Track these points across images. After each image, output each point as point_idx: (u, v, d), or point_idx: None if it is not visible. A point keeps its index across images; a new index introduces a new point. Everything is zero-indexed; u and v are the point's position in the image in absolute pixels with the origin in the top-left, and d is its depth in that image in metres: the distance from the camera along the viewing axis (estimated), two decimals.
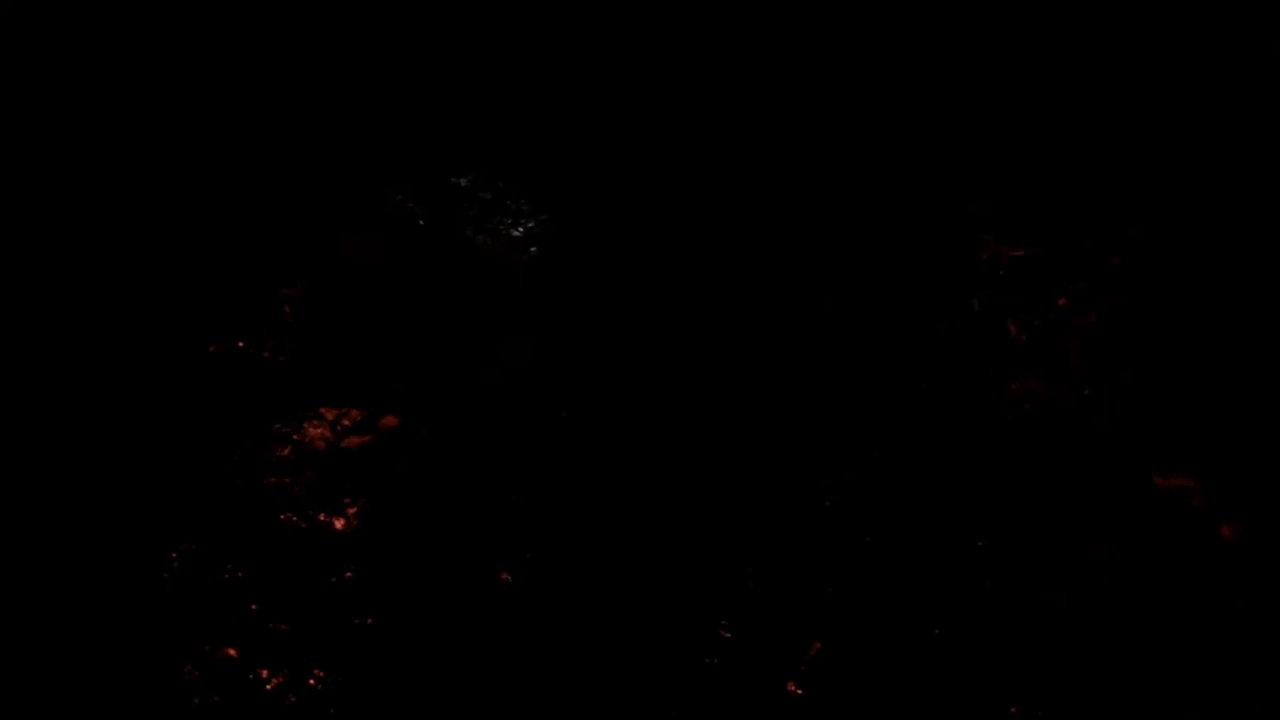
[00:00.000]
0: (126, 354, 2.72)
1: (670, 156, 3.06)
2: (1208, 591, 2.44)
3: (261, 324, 2.80)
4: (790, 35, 3.08)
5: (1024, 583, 2.53)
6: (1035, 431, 2.66)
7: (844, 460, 2.70)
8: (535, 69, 3.14)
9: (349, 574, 2.57)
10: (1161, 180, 2.80)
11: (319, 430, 2.72)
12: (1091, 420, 2.64)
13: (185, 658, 2.44)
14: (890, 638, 2.53)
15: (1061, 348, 2.72)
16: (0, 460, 2.56)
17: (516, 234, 3.03)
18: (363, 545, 2.61)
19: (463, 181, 3.06)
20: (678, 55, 3.11)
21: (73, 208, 2.84)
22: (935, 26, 3.01)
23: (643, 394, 2.81)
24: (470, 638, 2.54)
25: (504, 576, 2.60)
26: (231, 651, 2.46)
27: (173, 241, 2.85)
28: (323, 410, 2.74)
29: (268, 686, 2.44)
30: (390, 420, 2.76)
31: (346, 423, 2.73)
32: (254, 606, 2.51)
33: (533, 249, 3.01)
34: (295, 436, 2.70)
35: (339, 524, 2.63)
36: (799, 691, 2.48)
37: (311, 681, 2.46)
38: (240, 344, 2.77)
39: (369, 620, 2.53)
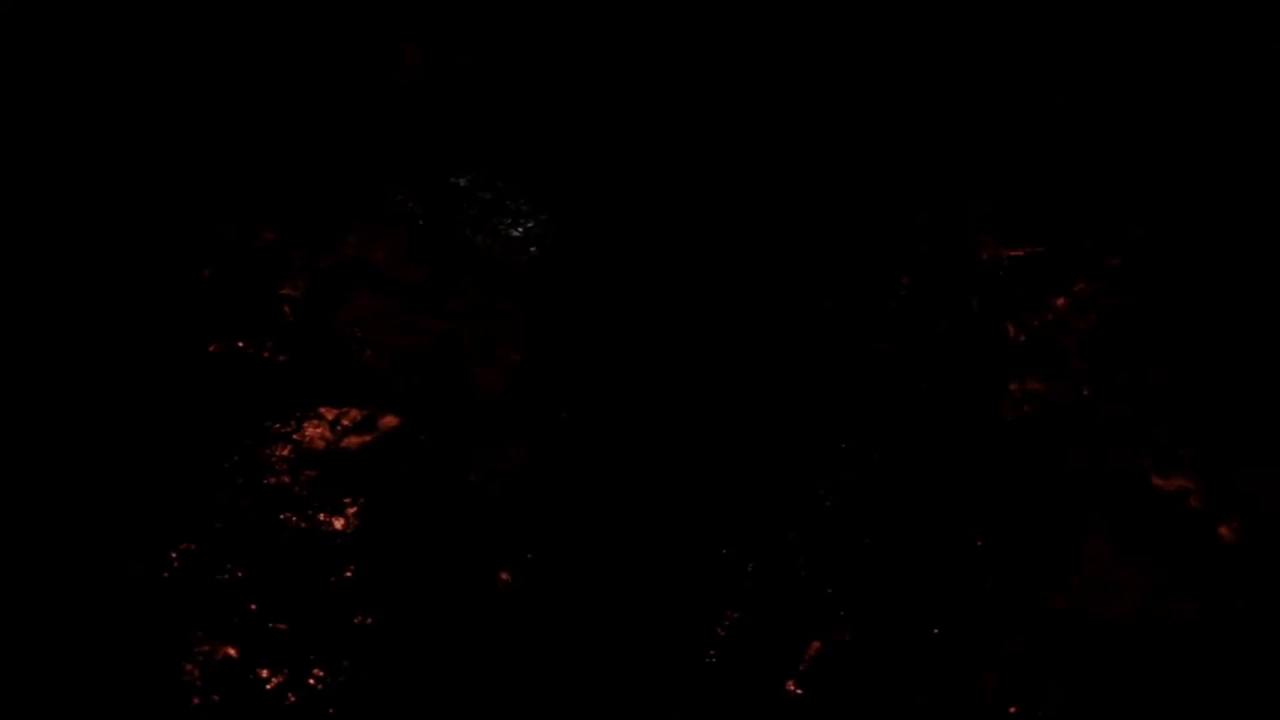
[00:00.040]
0: (126, 353, 2.72)
1: (670, 156, 3.06)
2: (1207, 592, 2.44)
3: (261, 324, 2.80)
4: (790, 35, 3.08)
5: (1024, 583, 2.53)
6: (1034, 432, 2.66)
7: (843, 460, 2.70)
8: (535, 69, 3.14)
9: (349, 574, 2.57)
10: (1161, 180, 2.81)
11: (319, 430, 2.72)
12: (1091, 420, 2.64)
13: (185, 658, 2.44)
14: (890, 638, 2.53)
15: (1061, 348, 2.72)
16: None
17: (516, 234, 3.03)
18: (362, 545, 2.61)
19: (462, 181, 3.06)
20: (678, 55, 3.11)
21: (72, 207, 2.84)
22: (935, 26, 3.01)
23: (642, 394, 2.81)
24: (470, 637, 2.54)
25: (504, 576, 2.61)
26: (231, 651, 2.46)
27: (173, 241, 2.86)
28: (322, 410, 2.74)
29: (268, 686, 2.44)
30: (390, 420, 2.76)
31: (346, 423, 2.74)
32: (254, 606, 2.51)
33: (532, 249, 3.01)
34: (295, 436, 2.70)
35: (339, 524, 2.63)
36: (799, 691, 2.48)
37: (311, 681, 2.46)
38: (240, 344, 2.77)
39: (369, 620, 2.53)
